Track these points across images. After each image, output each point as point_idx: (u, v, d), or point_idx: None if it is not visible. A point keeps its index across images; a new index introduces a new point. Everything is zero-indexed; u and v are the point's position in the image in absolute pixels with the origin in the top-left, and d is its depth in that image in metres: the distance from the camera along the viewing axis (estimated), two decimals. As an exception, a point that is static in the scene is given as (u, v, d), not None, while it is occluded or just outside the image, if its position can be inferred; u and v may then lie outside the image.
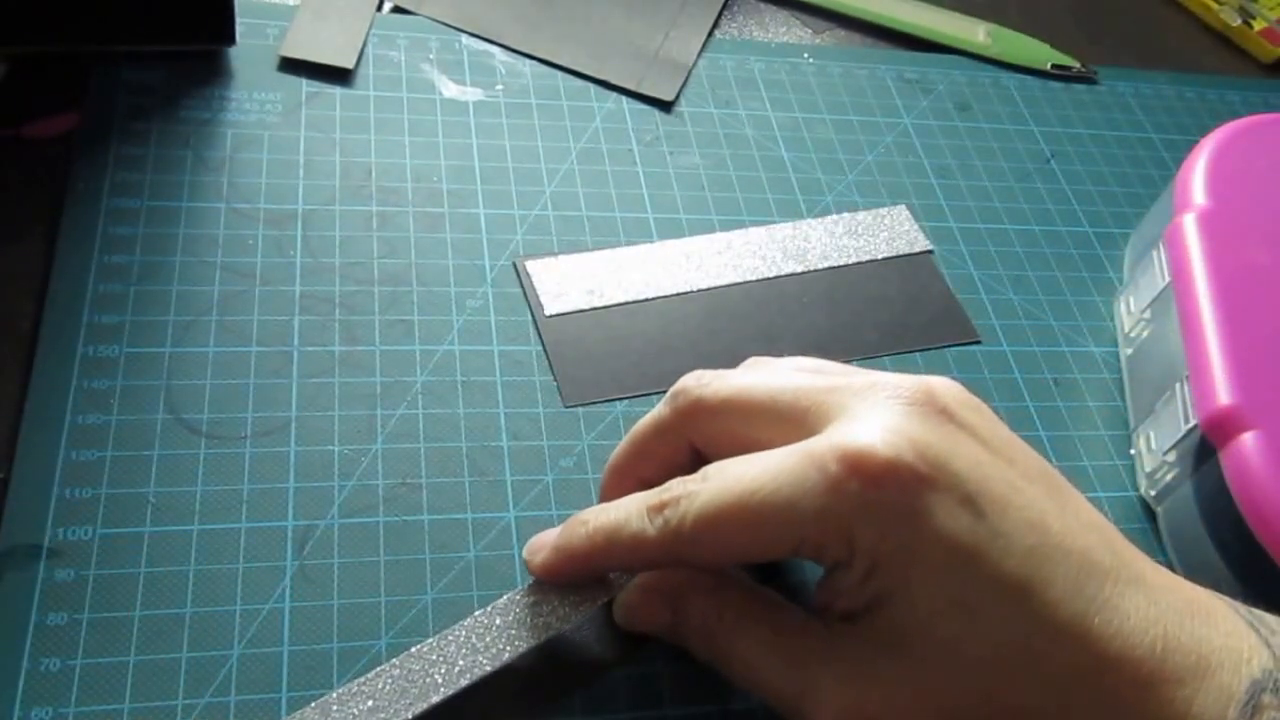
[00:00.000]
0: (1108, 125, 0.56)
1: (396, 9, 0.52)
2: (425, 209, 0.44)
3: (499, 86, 0.50)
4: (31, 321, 0.38)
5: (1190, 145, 0.47)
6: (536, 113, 0.49)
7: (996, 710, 0.28)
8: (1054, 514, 0.29)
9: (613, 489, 0.34)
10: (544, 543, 0.33)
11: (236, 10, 0.46)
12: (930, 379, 0.30)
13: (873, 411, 0.29)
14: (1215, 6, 0.64)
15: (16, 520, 0.33)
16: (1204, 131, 0.48)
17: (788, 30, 0.58)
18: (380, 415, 0.38)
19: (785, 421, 0.30)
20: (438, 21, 0.51)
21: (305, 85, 0.47)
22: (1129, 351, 0.45)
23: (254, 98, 0.46)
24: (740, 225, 0.47)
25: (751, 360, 0.34)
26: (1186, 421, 0.39)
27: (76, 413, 0.36)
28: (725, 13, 0.57)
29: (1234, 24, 0.64)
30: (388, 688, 0.31)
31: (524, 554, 0.33)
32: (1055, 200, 0.52)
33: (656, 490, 0.30)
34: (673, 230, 0.46)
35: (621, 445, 0.34)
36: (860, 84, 0.55)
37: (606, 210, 0.46)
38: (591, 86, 0.51)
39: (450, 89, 0.49)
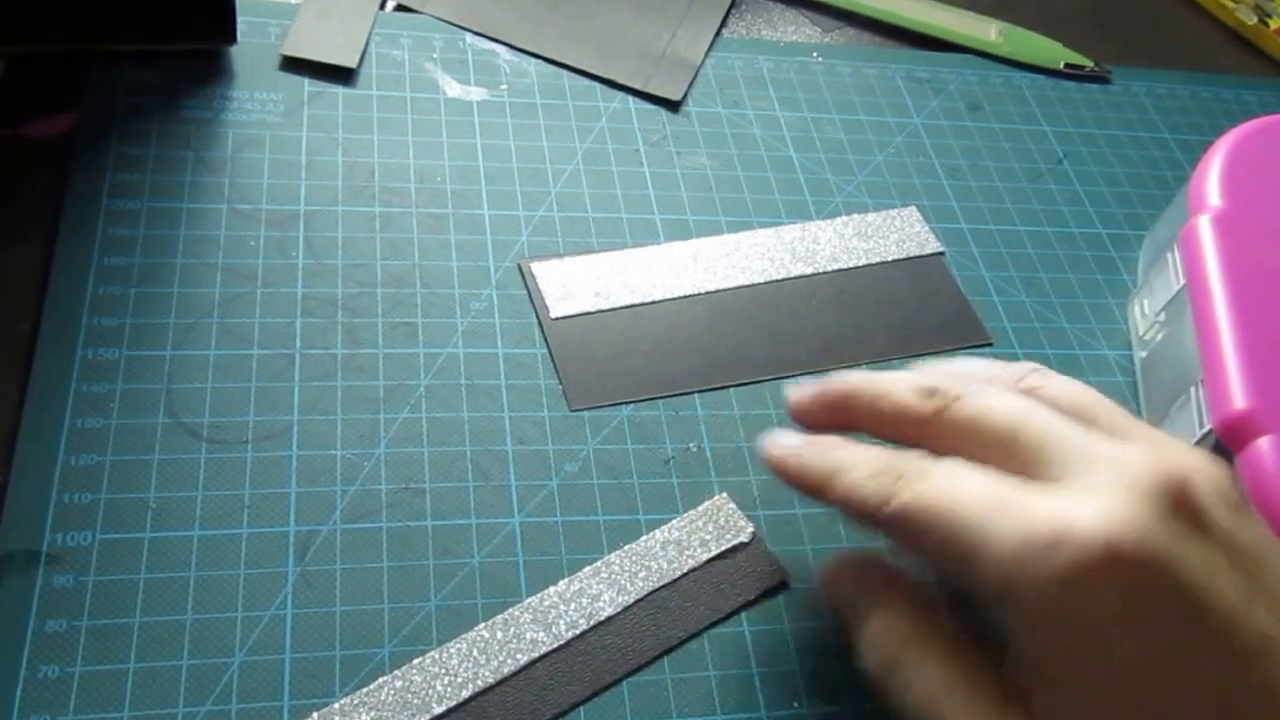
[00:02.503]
0: (1122, 125, 0.56)
1: (400, 7, 0.51)
2: (429, 210, 0.44)
3: (503, 86, 0.49)
4: (30, 324, 0.37)
5: (1205, 146, 0.46)
6: (541, 113, 0.48)
7: None
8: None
9: (823, 410, 0.34)
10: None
11: (238, 9, 0.45)
12: (1191, 464, 0.28)
13: (1111, 487, 0.27)
14: (1231, 5, 0.64)
15: (15, 525, 0.33)
16: (1219, 132, 0.47)
17: (796, 29, 0.57)
18: (383, 419, 0.38)
19: (1017, 458, 0.29)
20: (441, 20, 0.51)
21: (307, 85, 0.47)
22: (1143, 355, 0.45)
23: (255, 97, 0.45)
24: (748, 226, 0.46)
25: (1033, 372, 0.33)
26: (1201, 426, 0.39)
27: (76, 416, 0.35)
28: (733, 11, 0.56)
29: (1250, 23, 0.63)
30: (390, 699, 0.31)
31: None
32: (1068, 201, 0.51)
33: (888, 456, 0.31)
34: (680, 231, 0.45)
35: (864, 388, 0.33)
36: (870, 83, 0.54)
37: (612, 211, 0.45)
38: (597, 86, 0.50)
39: (454, 88, 0.48)
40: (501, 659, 0.33)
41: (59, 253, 0.39)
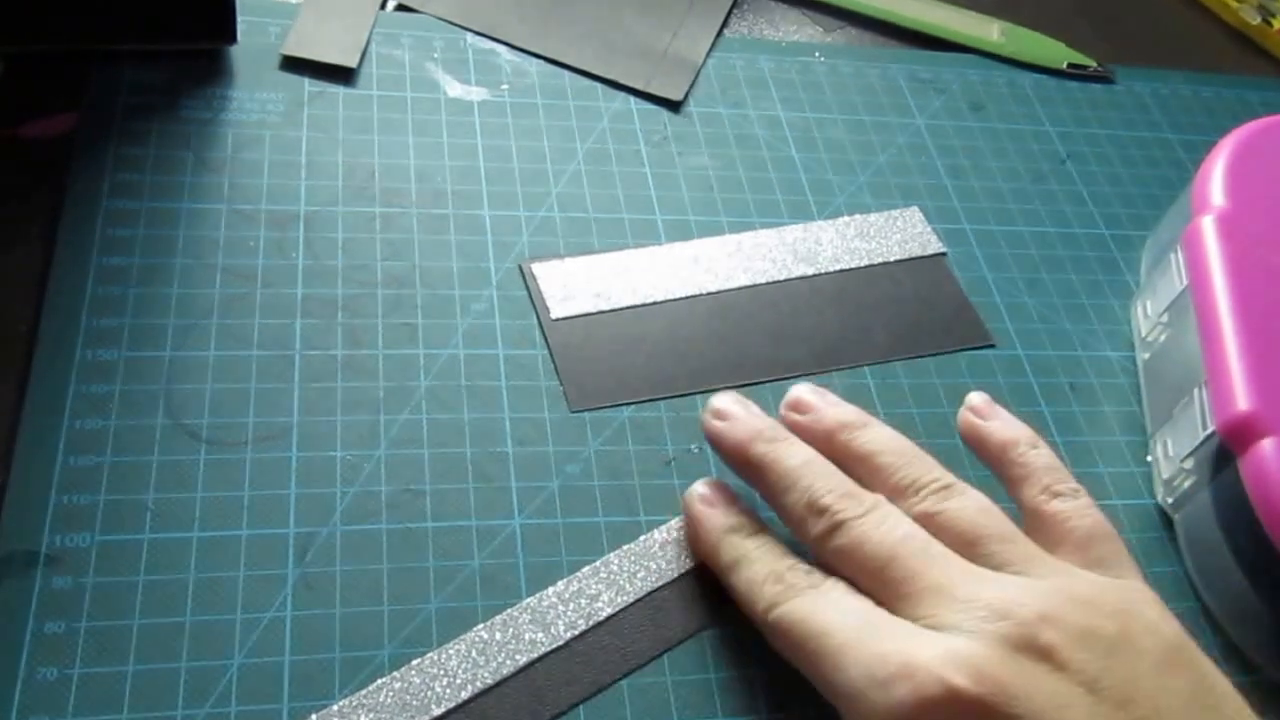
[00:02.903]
0: (1124, 125, 0.55)
1: (400, 7, 0.51)
2: (429, 210, 0.44)
3: (504, 86, 0.49)
4: (29, 325, 0.37)
5: (1208, 146, 0.46)
6: (542, 113, 0.48)
7: None
8: None
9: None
10: (733, 414, 0.36)
11: (238, 8, 0.45)
12: (1052, 605, 0.29)
13: (964, 625, 0.29)
14: (1234, 5, 0.63)
15: (13, 527, 0.33)
16: (1222, 132, 0.47)
17: (798, 29, 0.57)
18: (383, 420, 0.37)
19: (888, 589, 0.31)
20: (442, 20, 0.51)
21: (308, 85, 0.46)
22: (1146, 356, 0.44)
23: (255, 97, 0.45)
24: (750, 227, 0.46)
25: (941, 489, 0.33)
26: (1205, 428, 0.38)
27: (75, 417, 0.35)
28: (735, 11, 0.56)
29: (1253, 22, 0.63)
30: (388, 700, 0.31)
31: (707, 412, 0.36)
32: (1071, 202, 0.51)
33: (786, 564, 0.33)
34: (681, 232, 0.45)
35: (771, 475, 0.34)
36: (872, 83, 0.54)
37: (614, 212, 0.45)
38: (599, 86, 0.50)
39: (455, 88, 0.48)
40: (500, 660, 0.32)
41: (58, 253, 0.39)
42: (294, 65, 0.47)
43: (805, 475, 0.33)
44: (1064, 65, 0.57)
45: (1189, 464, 0.39)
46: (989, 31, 0.58)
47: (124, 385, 0.36)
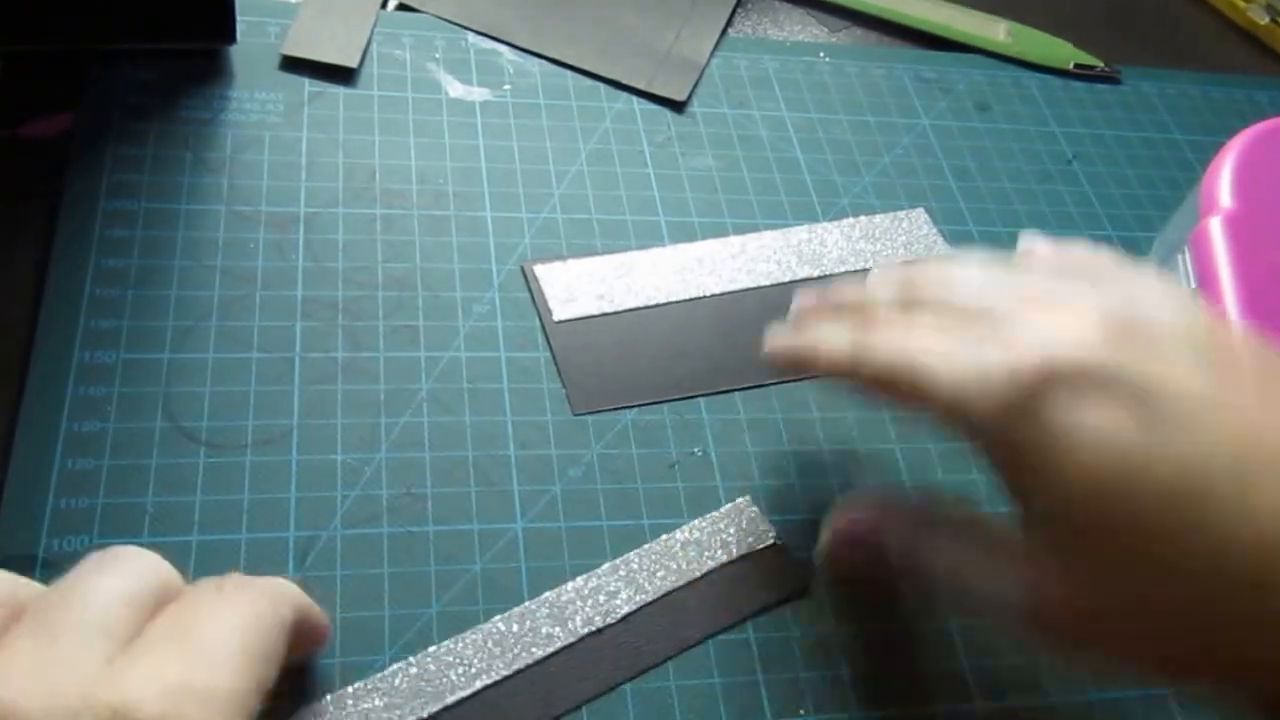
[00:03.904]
0: (1131, 126, 0.55)
1: (401, 6, 0.51)
2: (430, 212, 0.43)
3: (506, 86, 0.49)
4: (26, 326, 0.37)
5: (1216, 147, 0.46)
6: (545, 113, 0.48)
7: (1163, 602, 0.27)
8: (1258, 427, 0.26)
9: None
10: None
11: (237, 8, 0.45)
12: (1155, 302, 0.29)
13: (1061, 317, 0.29)
14: (1242, 5, 0.63)
15: (11, 531, 0.33)
16: (1230, 133, 0.46)
17: (803, 28, 0.57)
18: (384, 423, 0.37)
19: (974, 321, 0.30)
20: (443, 19, 0.51)
21: (308, 85, 0.46)
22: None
23: (255, 97, 0.45)
24: (754, 228, 0.46)
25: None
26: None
27: (72, 420, 0.35)
28: (739, 10, 0.56)
29: (1262, 22, 0.63)
30: (403, 685, 0.31)
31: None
32: (1077, 203, 0.51)
33: (863, 322, 0.33)
34: (685, 233, 0.45)
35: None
36: (877, 83, 0.54)
37: (617, 213, 0.45)
38: (601, 86, 0.50)
39: (456, 89, 0.48)
40: (516, 652, 0.32)
41: (56, 254, 0.39)
42: (294, 65, 0.47)
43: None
44: (1070, 65, 0.57)
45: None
46: (995, 31, 0.58)
47: (122, 388, 0.36)
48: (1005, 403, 0.28)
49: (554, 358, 0.40)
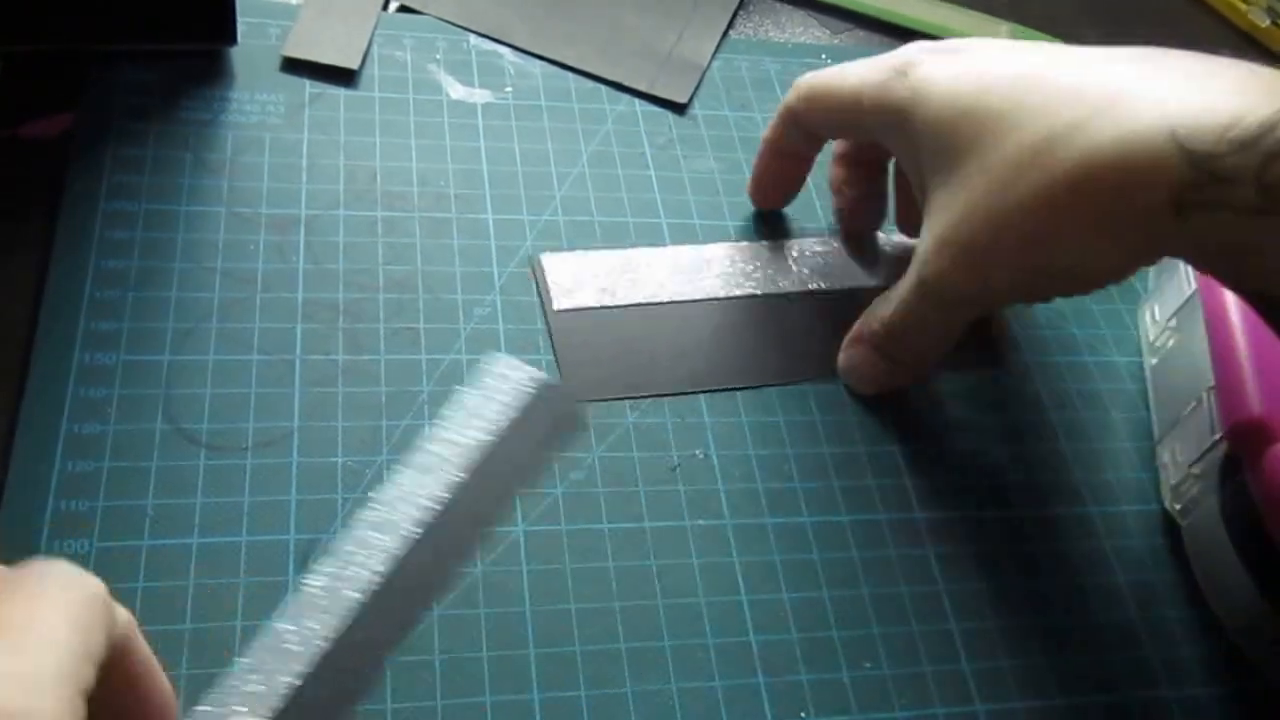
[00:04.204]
0: (1130, 128, 0.55)
1: (402, 8, 0.51)
2: (431, 214, 0.43)
3: (508, 88, 0.49)
4: (26, 328, 0.37)
5: (1217, 149, 0.46)
6: (546, 115, 0.48)
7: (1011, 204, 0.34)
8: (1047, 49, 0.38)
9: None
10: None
11: (238, 9, 0.45)
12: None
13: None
14: (1243, 7, 0.63)
15: (11, 532, 0.32)
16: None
17: (804, 30, 0.57)
18: (385, 426, 0.37)
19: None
20: (445, 21, 0.50)
21: (308, 86, 0.46)
22: (1154, 361, 0.44)
23: (255, 99, 0.45)
24: (755, 230, 0.46)
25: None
26: (1213, 433, 0.38)
27: (72, 422, 0.35)
28: (740, 12, 0.56)
29: (1262, 25, 0.63)
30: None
31: None
32: (1077, 205, 0.50)
33: None
34: (687, 235, 0.45)
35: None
36: (877, 85, 0.53)
37: (618, 215, 0.45)
38: (603, 88, 0.50)
39: (457, 90, 0.48)
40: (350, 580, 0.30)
41: (56, 255, 0.38)
42: (294, 66, 0.46)
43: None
44: (1070, 68, 0.57)
45: (1197, 470, 0.39)
46: (996, 33, 0.58)
47: (122, 389, 0.36)
48: (886, 75, 0.38)
49: (553, 347, 0.40)
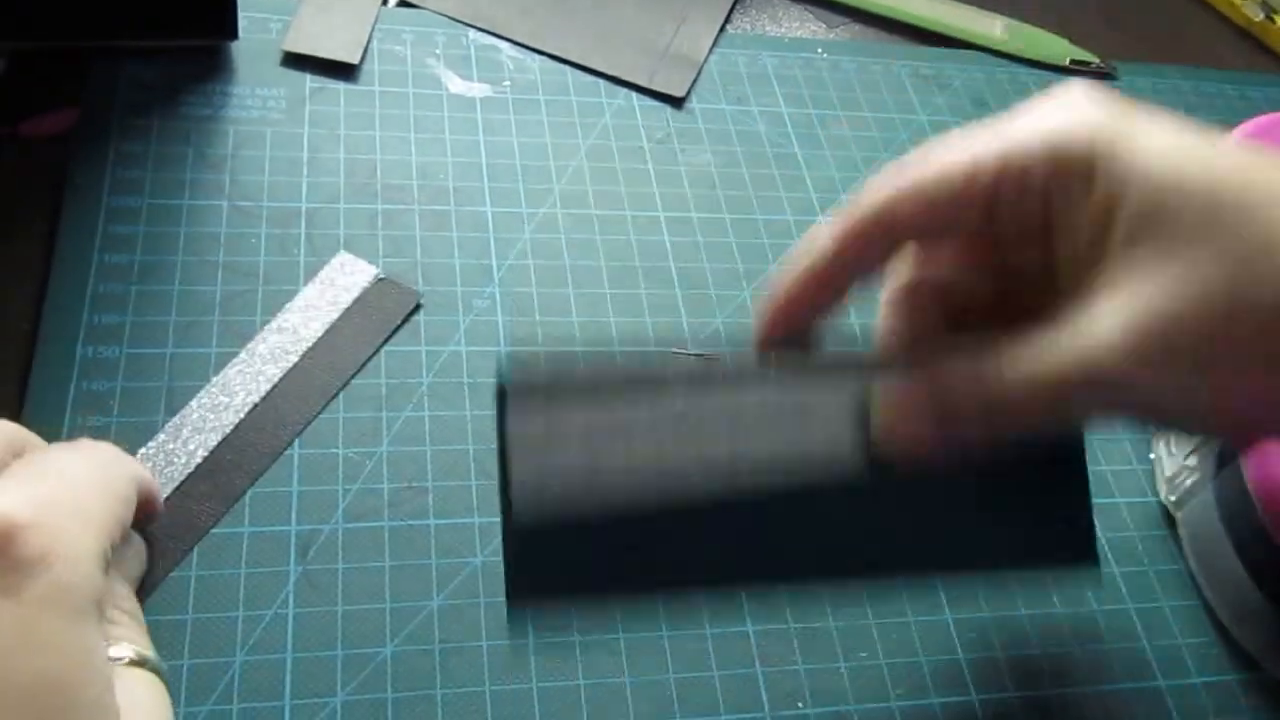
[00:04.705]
0: (1127, 122, 0.55)
1: (402, 3, 0.51)
2: (431, 207, 0.43)
3: (506, 82, 0.49)
4: (30, 322, 0.37)
5: (1212, 142, 0.46)
6: (545, 109, 0.48)
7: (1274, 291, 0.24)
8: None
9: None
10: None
11: (239, 4, 0.45)
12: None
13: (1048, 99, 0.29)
14: (1238, 2, 0.63)
15: (14, 525, 0.33)
16: (1225, 129, 0.46)
17: (801, 25, 0.57)
18: (385, 417, 0.37)
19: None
20: (444, 16, 0.51)
21: (309, 81, 0.46)
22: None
23: (257, 93, 0.45)
24: (752, 224, 0.46)
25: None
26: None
27: (76, 414, 0.35)
28: (737, 7, 0.56)
29: (1256, 19, 0.63)
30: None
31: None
32: (1073, 198, 0.51)
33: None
34: (684, 229, 0.45)
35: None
36: (875, 80, 0.54)
37: (616, 208, 0.45)
38: (601, 82, 0.50)
39: (457, 84, 0.48)
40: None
41: (59, 249, 0.39)
42: (295, 61, 0.47)
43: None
44: (1067, 61, 0.57)
45: (1192, 462, 0.39)
46: (992, 28, 0.58)
47: (125, 382, 0.36)
48: (1058, 119, 0.27)
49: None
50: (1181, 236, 0.25)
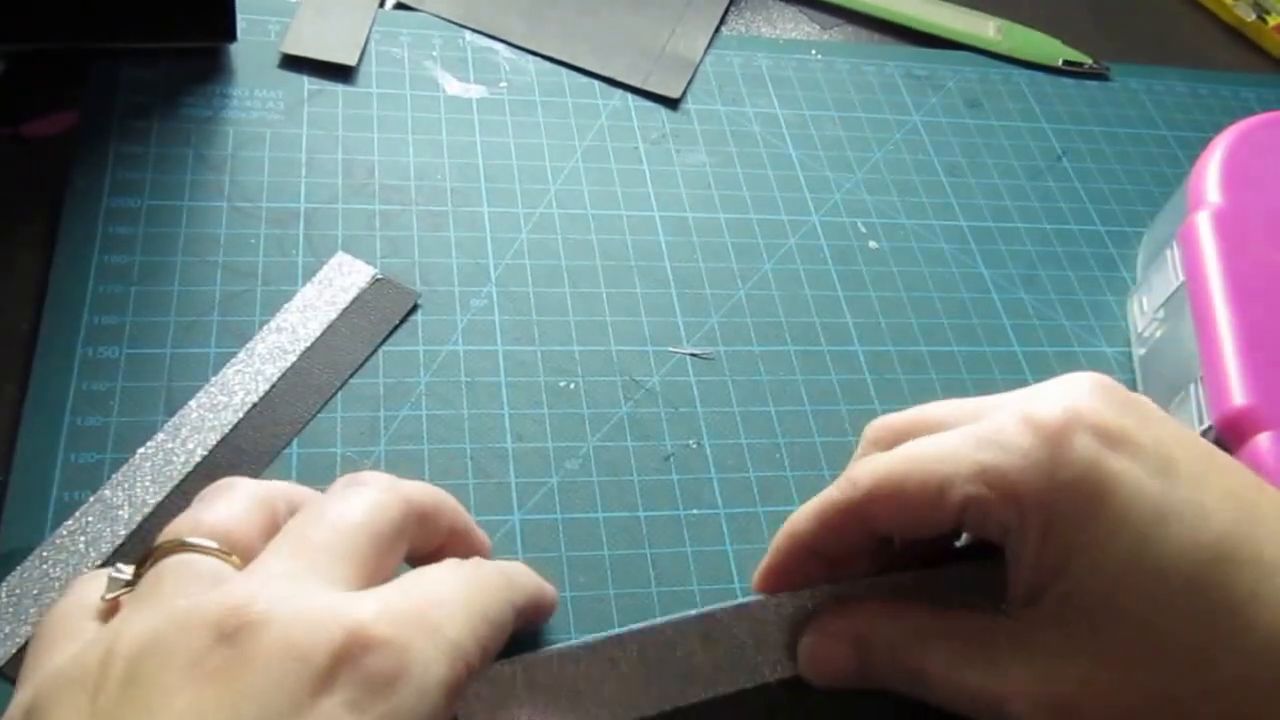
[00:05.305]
0: (1120, 122, 0.56)
1: (399, 5, 0.51)
2: (429, 207, 0.44)
3: (503, 84, 0.49)
4: (30, 323, 0.37)
5: (1204, 143, 0.46)
6: (541, 110, 0.48)
7: (1196, 692, 0.26)
8: (1254, 490, 0.27)
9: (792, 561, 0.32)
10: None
11: (237, 7, 0.45)
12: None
13: (1053, 389, 0.29)
14: (1229, 2, 0.63)
15: (15, 523, 0.33)
16: (1218, 129, 0.47)
17: (795, 26, 0.57)
18: (383, 416, 0.38)
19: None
20: (441, 18, 0.51)
21: (307, 82, 0.47)
22: (1142, 352, 0.45)
23: (255, 95, 0.45)
24: (747, 224, 0.46)
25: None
26: (1201, 423, 0.38)
27: (76, 414, 0.35)
28: (732, 8, 0.56)
29: (1248, 20, 0.63)
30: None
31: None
32: (1067, 199, 0.51)
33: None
34: (679, 229, 0.45)
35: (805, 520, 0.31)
36: (869, 81, 0.54)
37: (612, 209, 0.45)
38: (597, 84, 0.50)
39: (454, 86, 0.48)
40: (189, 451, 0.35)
41: (59, 250, 0.39)
42: (294, 63, 0.47)
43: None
44: (1059, 62, 0.57)
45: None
46: (985, 29, 0.58)
47: (125, 382, 0.36)
48: (1036, 455, 0.27)
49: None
50: (1120, 625, 0.26)
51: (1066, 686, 0.27)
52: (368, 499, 0.27)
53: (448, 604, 0.26)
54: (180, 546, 0.25)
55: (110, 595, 0.25)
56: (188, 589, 0.24)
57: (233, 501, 0.27)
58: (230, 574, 0.25)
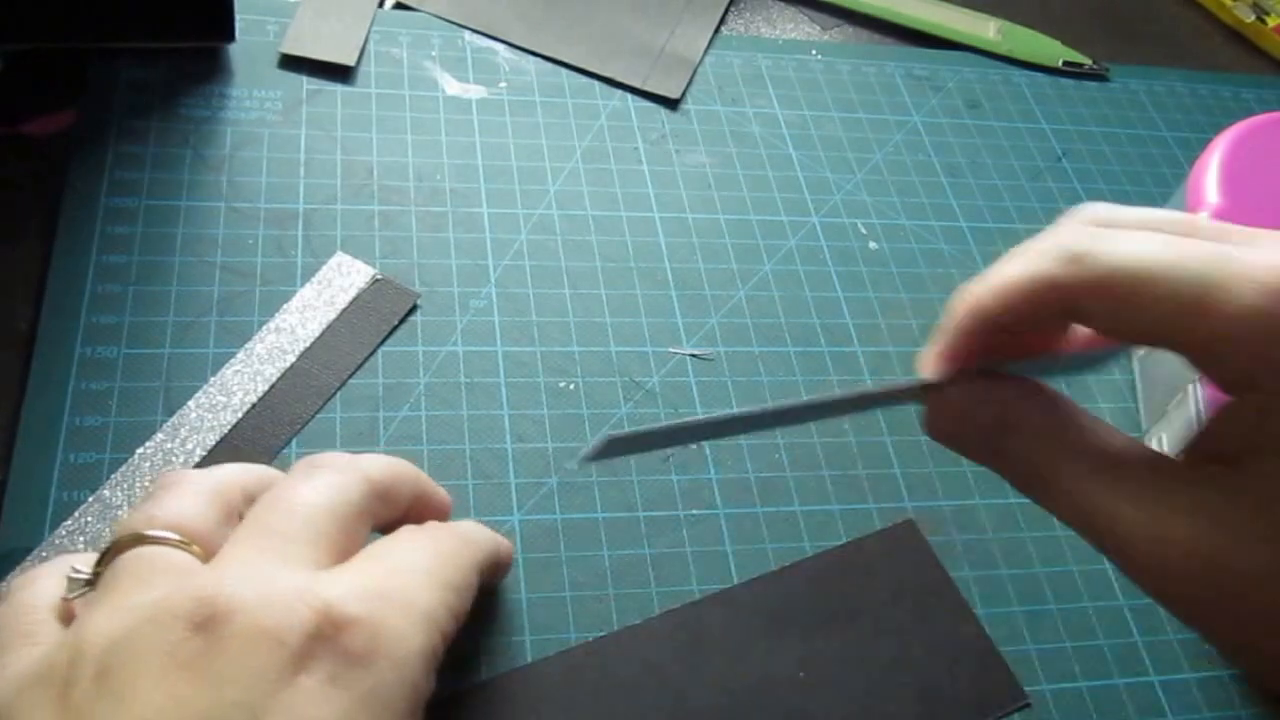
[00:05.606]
0: (1120, 123, 0.56)
1: (398, 5, 0.51)
2: (428, 208, 0.44)
3: (502, 84, 0.49)
4: (28, 322, 0.37)
5: (1204, 143, 0.46)
6: (540, 110, 0.48)
7: None
8: None
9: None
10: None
11: (236, 7, 0.45)
12: None
13: None
14: (1229, 3, 0.63)
15: (14, 523, 0.33)
16: (1217, 129, 0.47)
17: (795, 27, 0.57)
18: (382, 417, 0.38)
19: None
20: (440, 18, 0.51)
21: (306, 83, 0.47)
22: (1141, 353, 0.45)
23: (254, 95, 0.45)
24: (747, 224, 0.46)
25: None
26: (1199, 424, 0.38)
27: (74, 415, 0.35)
28: (732, 9, 0.56)
29: (1248, 20, 0.63)
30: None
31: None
32: (1067, 199, 0.51)
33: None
34: (679, 230, 0.45)
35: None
36: (869, 81, 0.54)
37: (612, 209, 0.45)
38: (596, 84, 0.50)
39: (453, 86, 0.48)
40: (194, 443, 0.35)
41: (58, 250, 0.39)
42: (292, 63, 0.47)
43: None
44: (1059, 63, 0.57)
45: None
46: (985, 29, 0.58)
47: (123, 382, 0.36)
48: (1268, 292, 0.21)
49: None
50: None
51: (1228, 557, 0.22)
52: (329, 481, 0.28)
53: (415, 575, 0.26)
54: (138, 540, 0.25)
55: (72, 596, 0.25)
56: (152, 582, 0.24)
57: (183, 494, 0.27)
58: (194, 564, 0.25)
